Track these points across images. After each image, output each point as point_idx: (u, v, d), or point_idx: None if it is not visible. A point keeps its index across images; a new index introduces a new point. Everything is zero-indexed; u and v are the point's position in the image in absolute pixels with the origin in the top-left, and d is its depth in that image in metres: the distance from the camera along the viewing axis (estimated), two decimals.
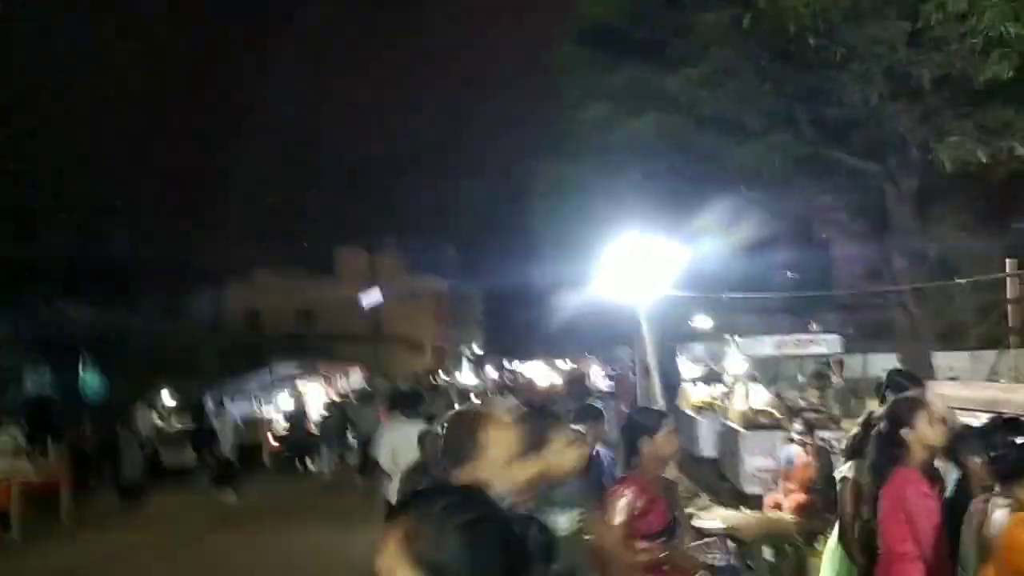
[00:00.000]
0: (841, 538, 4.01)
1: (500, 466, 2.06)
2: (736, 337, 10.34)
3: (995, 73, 7.56)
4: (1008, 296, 11.45)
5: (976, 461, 3.16)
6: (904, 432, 3.24)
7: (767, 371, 11.08)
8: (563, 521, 2.97)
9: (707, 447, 11.09)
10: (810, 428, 7.86)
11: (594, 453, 4.62)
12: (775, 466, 8.37)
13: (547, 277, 18.29)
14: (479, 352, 37.54)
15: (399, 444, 7.02)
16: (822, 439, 7.98)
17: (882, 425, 3.38)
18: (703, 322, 17.61)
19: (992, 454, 2.87)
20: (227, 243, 28.67)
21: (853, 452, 3.95)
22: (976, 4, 7.36)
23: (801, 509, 7.12)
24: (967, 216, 9.64)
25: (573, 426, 4.44)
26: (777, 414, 9.59)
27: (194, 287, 26.65)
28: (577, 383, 16.73)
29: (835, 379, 11.32)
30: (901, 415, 3.31)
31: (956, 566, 2.95)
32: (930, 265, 10.34)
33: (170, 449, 15.51)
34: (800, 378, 11.61)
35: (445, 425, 2.29)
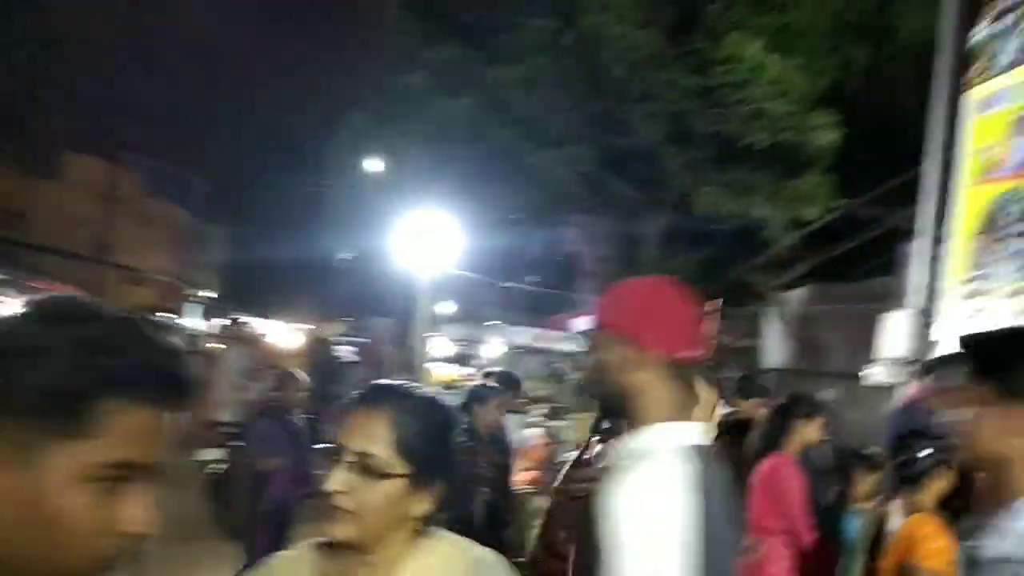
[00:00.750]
0: None
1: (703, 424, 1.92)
2: (498, 323, 10.99)
3: (755, 140, 8.95)
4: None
5: (863, 473, 3.59)
6: (792, 424, 3.65)
7: (512, 361, 11.91)
8: None
9: None
10: (551, 415, 8.72)
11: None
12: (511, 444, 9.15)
13: (310, 235, 17.85)
14: (213, 297, 35.25)
15: None
16: (555, 426, 8.90)
17: (772, 413, 3.77)
18: (449, 307, 18.31)
19: (900, 461, 3.20)
20: None
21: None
22: (753, 79, 8.68)
23: (533, 483, 7.92)
24: (705, 257, 11.19)
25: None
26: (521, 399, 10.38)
27: None
28: (320, 346, 16.47)
29: (568, 376, 12.49)
30: (794, 408, 3.72)
31: (837, 560, 3.35)
32: None
33: None
34: (540, 371, 12.63)
35: None
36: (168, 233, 33.17)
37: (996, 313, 4.43)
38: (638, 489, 1.32)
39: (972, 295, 4.66)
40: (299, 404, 5.20)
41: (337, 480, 1.25)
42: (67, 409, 0.71)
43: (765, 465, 3.62)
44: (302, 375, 5.39)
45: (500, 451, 4.82)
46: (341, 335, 22.73)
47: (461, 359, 12.53)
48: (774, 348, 9.94)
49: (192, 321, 30.27)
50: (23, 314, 0.77)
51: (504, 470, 4.72)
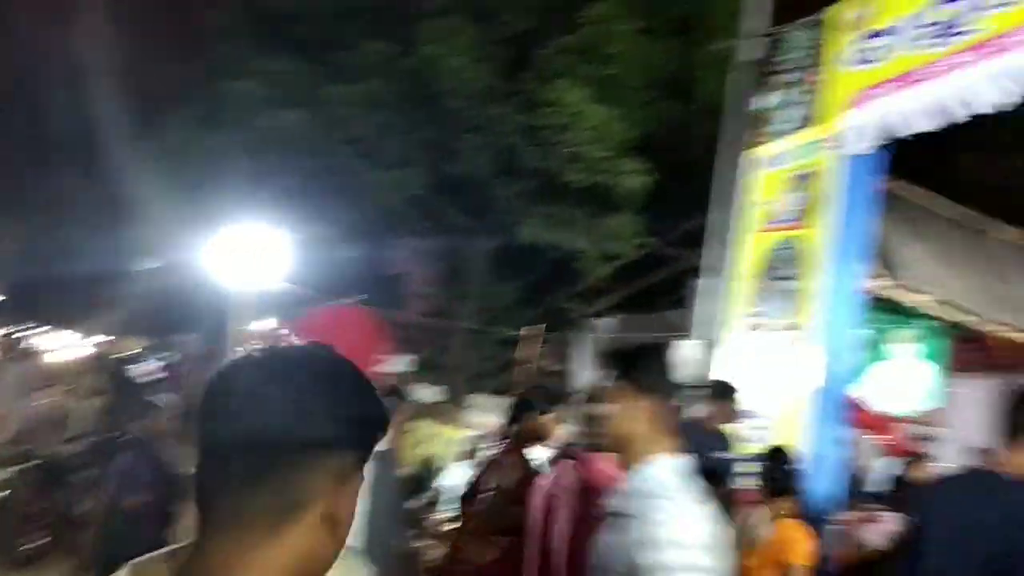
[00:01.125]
0: None
1: None
2: None
3: (574, 179, 9.59)
4: (517, 356, 14.07)
5: (724, 487, 3.76)
6: None
7: None
8: None
9: None
10: None
11: None
12: None
13: (113, 239, 16.57)
14: None
15: None
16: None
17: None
18: (269, 324, 17.65)
19: (766, 476, 3.62)
20: None
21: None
22: (574, 123, 9.33)
23: None
24: (527, 284, 11.70)
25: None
26: None
27: None
28: (112, 362, 15.10)
29: (406, 396, 12.42)
30: None
31: None
32: (488, 318, 12.22)
33: None
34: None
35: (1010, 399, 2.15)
36: None
37: (774, 343, 5.14)
38: None
39: (755, 327, 5.36)
40: (162, 434, 4.75)
41: None
42: (371, 440, 0.90)
43: None
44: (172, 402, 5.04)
45: None
46: (140, 351, 21.01)
47: None
48: (584, 372, 10.59)
49: None
50: (332, 362, 0.90)
51: None
